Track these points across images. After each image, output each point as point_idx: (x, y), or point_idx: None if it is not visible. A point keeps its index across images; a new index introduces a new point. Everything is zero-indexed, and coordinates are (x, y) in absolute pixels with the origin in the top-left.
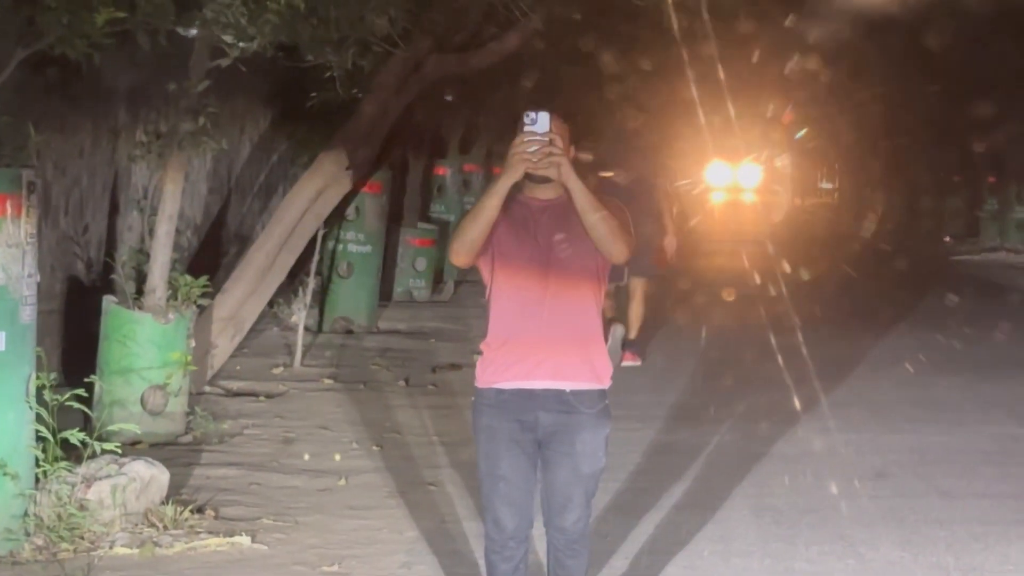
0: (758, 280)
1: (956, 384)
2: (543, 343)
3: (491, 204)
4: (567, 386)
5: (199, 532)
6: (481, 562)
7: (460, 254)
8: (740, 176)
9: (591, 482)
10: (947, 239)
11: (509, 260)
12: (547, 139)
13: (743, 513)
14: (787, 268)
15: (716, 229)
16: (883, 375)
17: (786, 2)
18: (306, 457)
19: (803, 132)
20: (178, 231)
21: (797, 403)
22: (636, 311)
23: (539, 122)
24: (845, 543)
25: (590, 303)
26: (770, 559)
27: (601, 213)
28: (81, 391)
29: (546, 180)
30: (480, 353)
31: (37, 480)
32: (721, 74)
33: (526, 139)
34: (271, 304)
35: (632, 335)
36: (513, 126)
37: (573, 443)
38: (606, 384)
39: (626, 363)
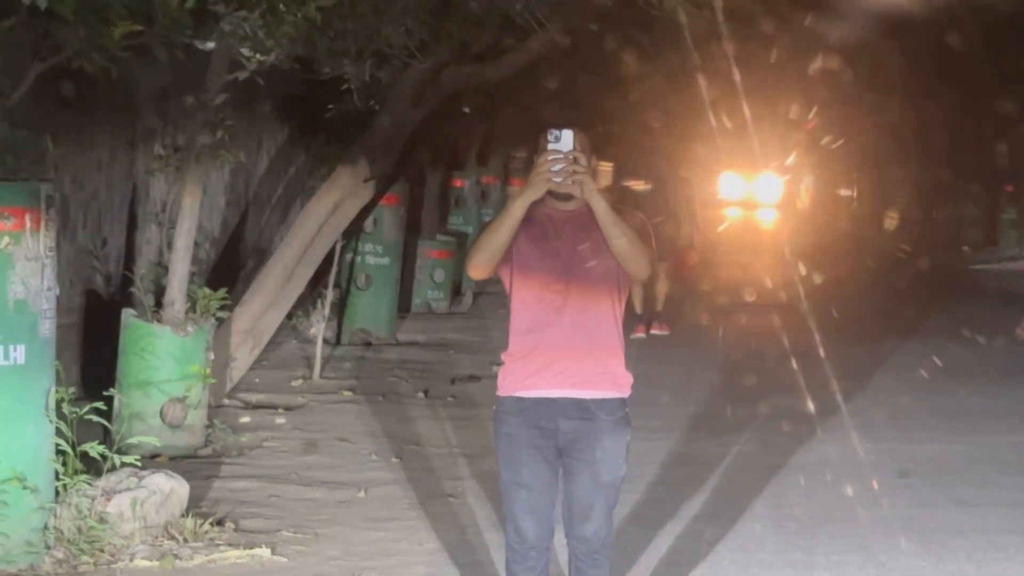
0: (775, 288)
1: (975, 393)
2: (563, 353)
3: (511, 221)
4: (587, 395)
5: (219, 544)
6: (502, 573)
7: (478, 268)
8: (757, 189)
9: (612, 490)
10: (965, 248)
11: (530, 270)
12: (571, 157)
13: (763, 523)
14: (804, 275)
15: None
16: (901, 384)
17: (804, 6)
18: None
19: (827, 139)
20: (196, 244)
21: (816, 412)
22: (661, 287)
23: (563, 140)
24: (865, 552)
25: (609, 313)
26: (790, 568)
27: (624, 231)
28: (100, 404)
29: (569, 197)
30: (499, 364)
31: (57, 493)
32: (739, 80)
33: (549, 157)
34: (290, 316)
35: (659, 307)
36: (531, 137)
37: (594, 450)
38: (626, 393)
39: (655, 332)
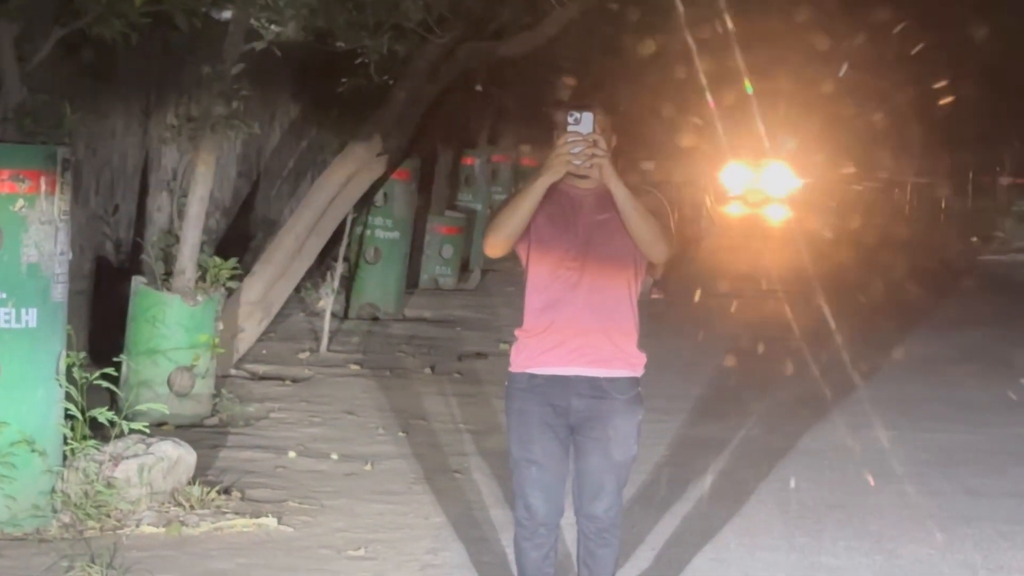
0: (783, 274)
1: (983, 384)
2: (578, 331)
3: (531, 201)
4: (601, 373)
5: (225, 513)
6: (508, 549)
7: (496, 246)
8: (764, 180)
9: (623, 469)
10: (974, 239)
11: (546, 247)
12: (590, 140)
13: (770, 507)
14: (813, 263)
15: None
16: (910, 373)
17: None
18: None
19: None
20: (207, 213)
21: (825, 399)
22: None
23: (583, 122)
24: (872, 539)
25: (625, 292)
26: (796, 553)
27: (643, 215)
28: (110, 370)
29: (587, 176)
30: (509, 343)
31: (65, 458)
32: (751, 60)
33: (569, 139)
34: (298, 289)
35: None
36: (544, 116)
37: (605, 429)
38: (639, 372)
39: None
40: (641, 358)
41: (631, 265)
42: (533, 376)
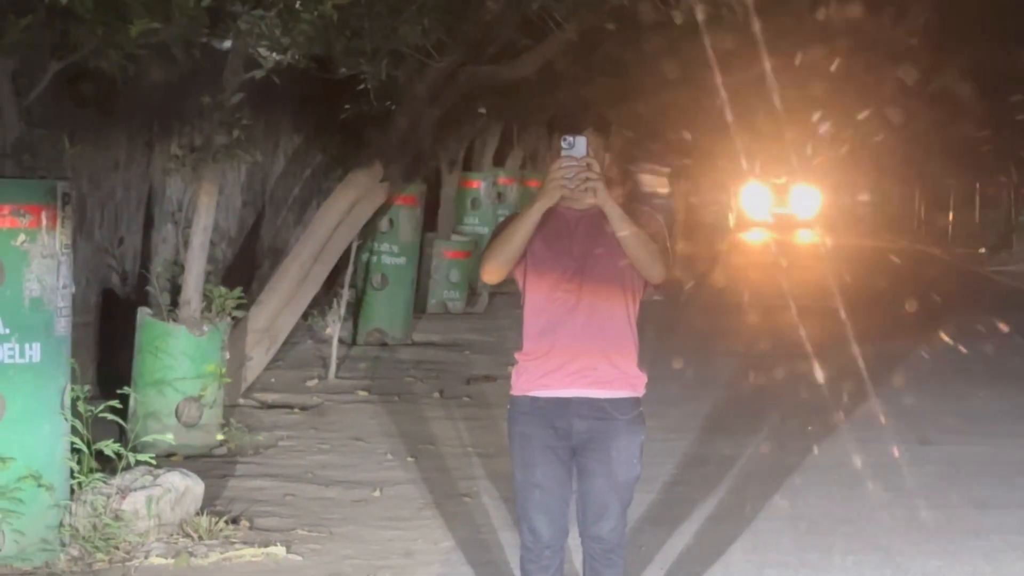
0: (790, 288)
1: (992, 395)
2: (577, 352)
3: (526, 227)
4: (602, 394)
5: (234, 543)
6: (517, 572)
7: (492, 273)
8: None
9: (626, 490)
10: (982, 251)
11: (543, 270)
12: (584, 164)
13: (778, 523)
14: (822, 277)
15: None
16: (919, 386)
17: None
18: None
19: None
20: (212, 243)
21: (832, 414)
22: None
23: (576, 146)
24: (882, 553)
25: (623, 312)
26: (806, 569)
27: (637, 236)
28: (116, 403)
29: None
30: (514, 364)
31: (72, 491)
32: (767, 83)
33: (563, 164)
34: (305, 316)
35: None
36: (548, 138)
37: (608, 450)
38: (640, 392)
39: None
40: (642, 378)
41: (628, 286)
42: (535, 399)
